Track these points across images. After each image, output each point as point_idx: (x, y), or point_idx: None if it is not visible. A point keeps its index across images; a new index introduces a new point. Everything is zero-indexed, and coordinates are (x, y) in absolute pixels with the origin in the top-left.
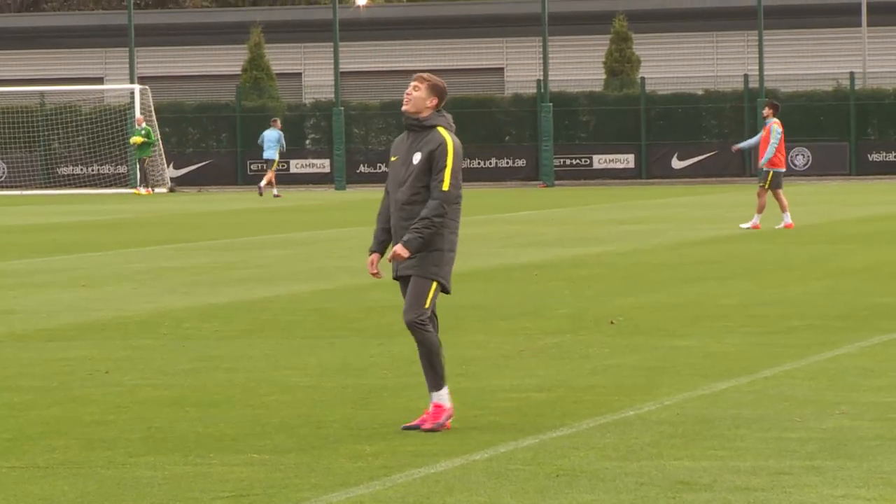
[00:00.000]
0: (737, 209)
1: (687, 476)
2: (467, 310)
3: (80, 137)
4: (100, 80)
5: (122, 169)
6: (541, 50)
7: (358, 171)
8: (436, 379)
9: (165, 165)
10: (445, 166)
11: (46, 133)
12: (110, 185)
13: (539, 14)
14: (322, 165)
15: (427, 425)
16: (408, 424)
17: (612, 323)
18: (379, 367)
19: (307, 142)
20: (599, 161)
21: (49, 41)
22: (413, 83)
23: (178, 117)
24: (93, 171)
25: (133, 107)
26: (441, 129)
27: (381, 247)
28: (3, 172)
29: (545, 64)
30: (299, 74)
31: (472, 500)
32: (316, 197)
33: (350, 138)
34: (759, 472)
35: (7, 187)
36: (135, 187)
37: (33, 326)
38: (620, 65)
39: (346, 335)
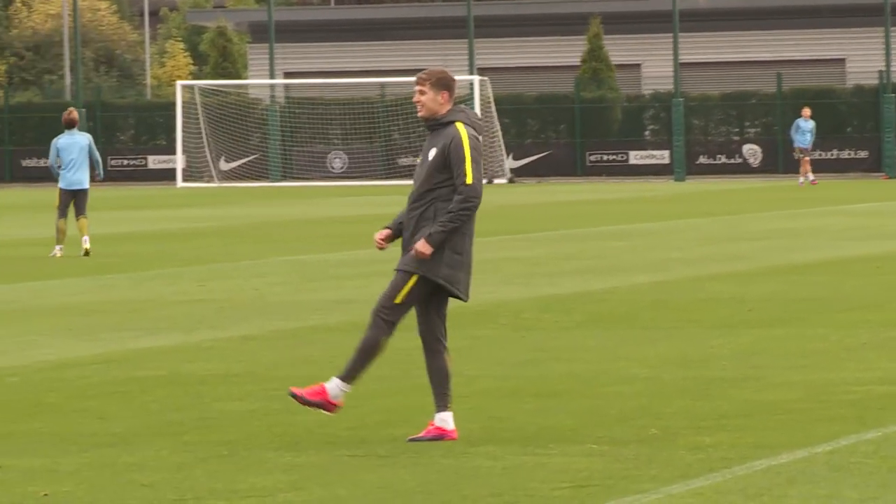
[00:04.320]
0: None
1: None
2: (807, 302)
3: (420, 128)
4: None
5: None
6: (883, 41)
7: (697, 163)
8: (351, 371)
9: (505, 156)
10: (464, 159)
11: (386, 124)
12: None
13: (881, 4)
14: (661, 157)
15: (301, 391)
16: (413, 437)
17: None
18: (719, 358)
19: (646, 133)
20: None
21: (389, 33)
22: (416, 88)
23: (517, 108)
24: None
25: (472, 98)
26: (459, 124)
27: (396, 226)
28: (345, 164)
29: (888, 54)
30: (638, 65)
31: (813, 493)
32: (655, 188)
33: (689, 129)
34: None
35: (349, 178)
36: None
37: None
38: None
39: (684, 326)
